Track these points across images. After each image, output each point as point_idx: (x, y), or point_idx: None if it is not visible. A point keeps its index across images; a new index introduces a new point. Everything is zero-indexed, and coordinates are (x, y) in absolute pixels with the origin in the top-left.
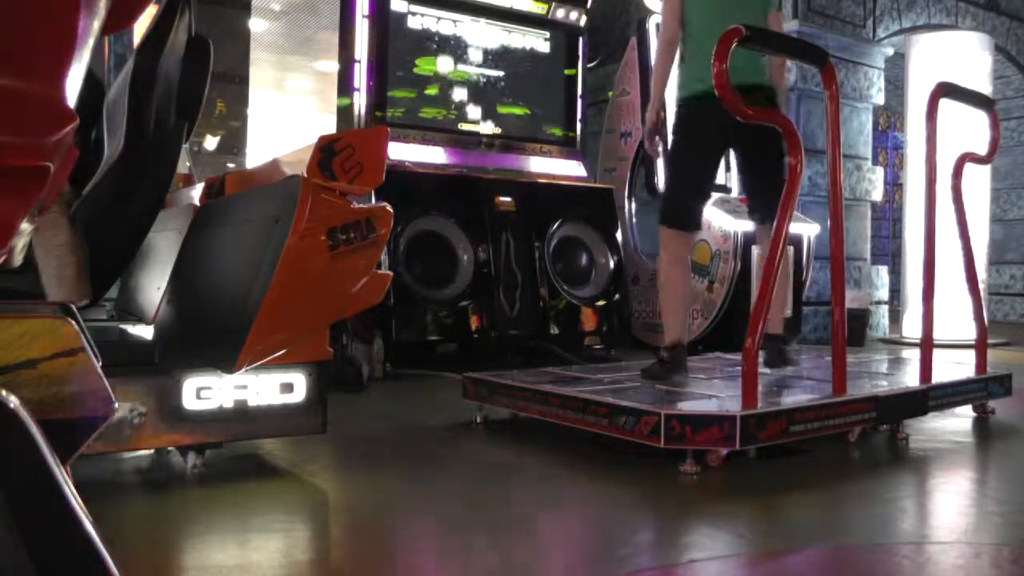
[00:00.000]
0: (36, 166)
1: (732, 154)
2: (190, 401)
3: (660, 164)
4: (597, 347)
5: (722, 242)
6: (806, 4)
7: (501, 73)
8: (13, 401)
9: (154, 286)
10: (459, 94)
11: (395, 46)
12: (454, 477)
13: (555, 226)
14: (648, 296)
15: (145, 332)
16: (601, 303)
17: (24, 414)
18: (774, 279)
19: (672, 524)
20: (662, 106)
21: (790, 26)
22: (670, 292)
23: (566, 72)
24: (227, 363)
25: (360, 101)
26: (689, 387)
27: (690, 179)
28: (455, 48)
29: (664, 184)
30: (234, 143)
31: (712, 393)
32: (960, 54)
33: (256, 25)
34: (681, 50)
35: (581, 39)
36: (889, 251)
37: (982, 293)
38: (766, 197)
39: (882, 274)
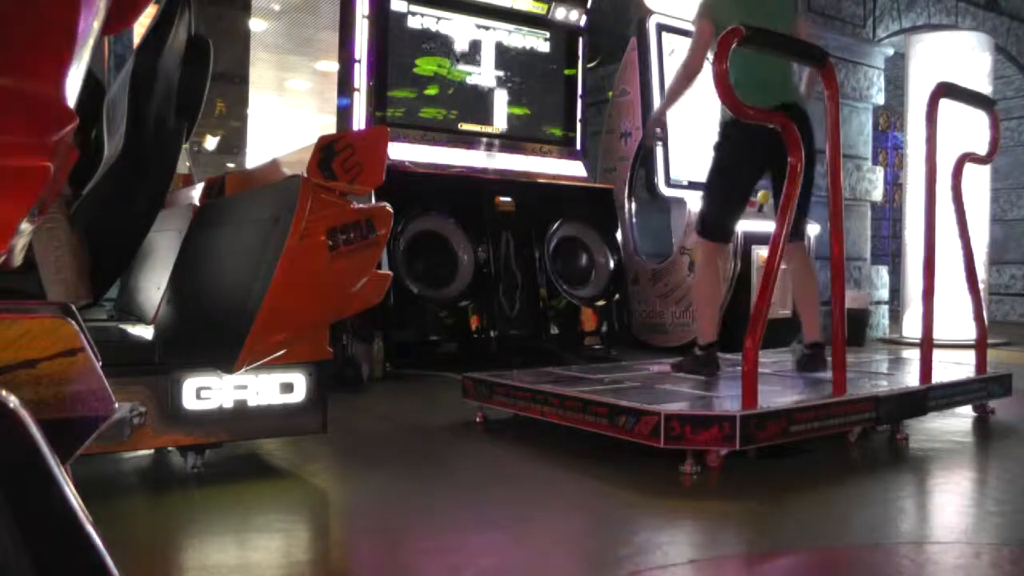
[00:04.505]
0: (36, 166)
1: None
2: (190, 401)
3: (659, 154)
4: (597, 347)
5: None
6: (806, 4)
7: (501, 73)
8: (13, 401)
9: (154, 286)
10: (459, 94)
11: (395, 46)
12: (454, 477)
13: (555, 226)
14: (648, 296)
15: (145, 332)
16: (601, 303)
17: (24, 414)
18: (774, 279)
19: (672, 524)
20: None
21: None
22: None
23: (566, 72)
24: (227, 363)
25: (360, 101)
26: (689, 387)
27: (729, 196)
28: (455, 48)
29: (703, 197)
30: (234, 143)
31: (712, 393)
32: (960, 54)
33: (256, 25)
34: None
35: (581, 39)
36: (889, 251)
37: (982, 293)
38: (796, 216)
39: (882, 274)
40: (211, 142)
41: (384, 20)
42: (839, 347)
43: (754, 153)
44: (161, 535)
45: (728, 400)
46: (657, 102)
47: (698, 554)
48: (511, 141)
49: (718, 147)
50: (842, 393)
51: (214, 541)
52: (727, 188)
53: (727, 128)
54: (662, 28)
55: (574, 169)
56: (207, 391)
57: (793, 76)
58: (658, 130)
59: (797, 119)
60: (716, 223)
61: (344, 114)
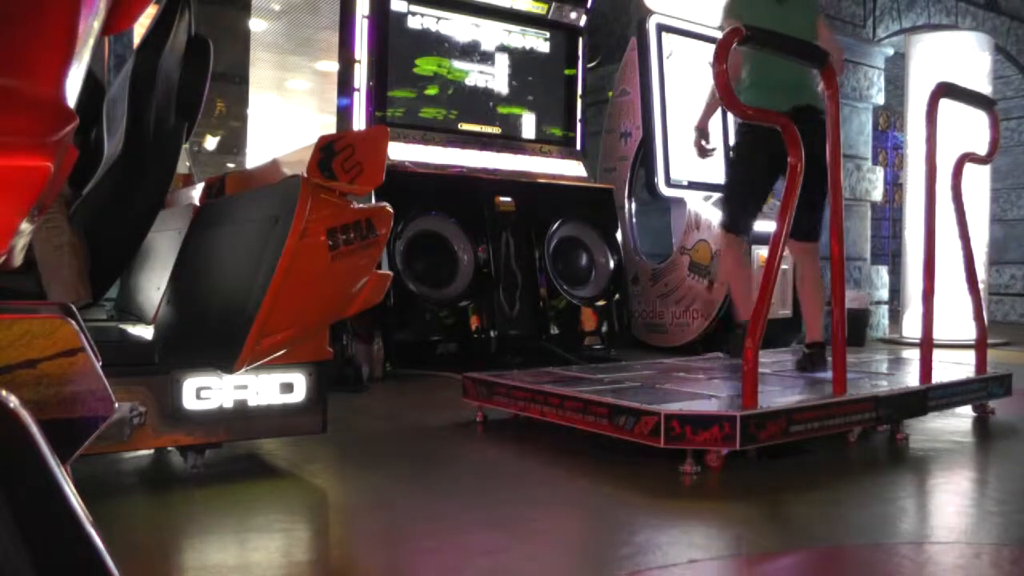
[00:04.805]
0: (36, 166)
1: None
2: (190, 401)
3: (659, 154)
4: (597, 347)
5: None
6: None
7: (501, 73)
8: (13, 401)
9: (154, 286)
10: (459, 94)
11: (395, 46)
12: (454, 477)
13: (555, 226)
14: (648, 296)
15: (145, 332)
16: (601, 303)
17: (24, 414)
18: (774, 278)
19: (672, 524)
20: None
21: None
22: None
23: (566, 72)
24: (227, 363)
25: (360, 101)
26: (689, 387)
27: (743, 194)
28: (455, 48)
29: (723, 194)
30: (234, 143)
31: (712, 393)
32: (960, 54)
33: (256, 25)
34: (742, 76)
35: (581, 39)
36: (889, 251)
37: (982, 293)
38: (804, 216)
39: (882, 274)
40: (211, 142)
41: (384, 20)
42: (839, 347)
43: (768, 153)
44: (161, 535)
45: (728, 400)
46: (657, 102)
47: (698, 554)
48: (511, 141)
49: (735, 147)
50: (842, 393)
51: (214, 541)
52: (741, 187)
53: (743, 129)
54: (662, 28)
55: (574, 169)
56: (207, 391)
57: (810, 79)
58: (704, 142)
59: (810, 121)
60: (732, 218)
61: (344, 114)
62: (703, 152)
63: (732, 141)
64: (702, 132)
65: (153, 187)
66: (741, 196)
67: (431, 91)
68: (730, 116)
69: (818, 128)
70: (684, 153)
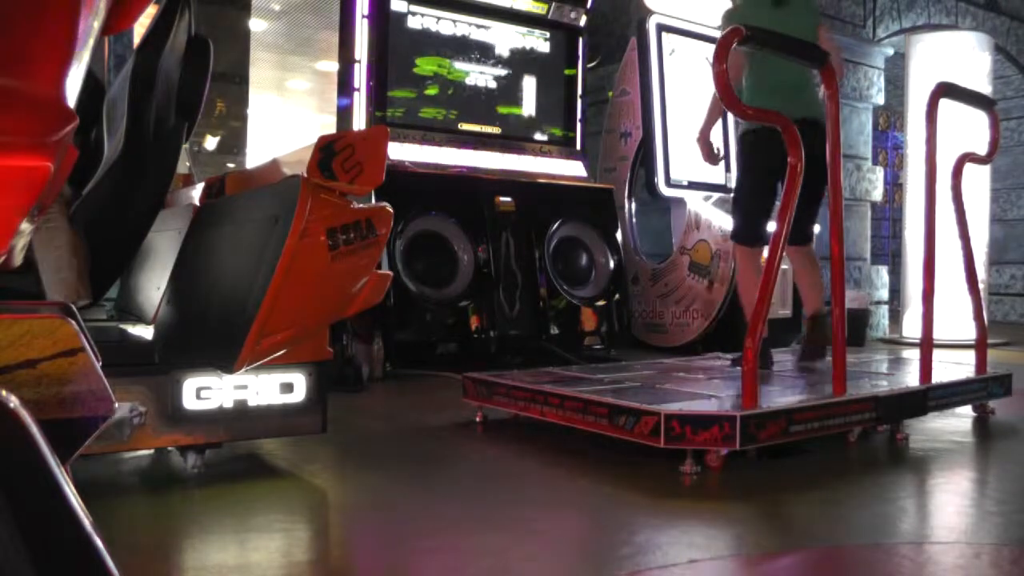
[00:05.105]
0: (36, 166)
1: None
2: (190, 401)
3: (659, 154)
4: (597, 347)
5: (722, 242)
6: None
7: (501, 73)
8: (13, 401)
9: (154, 286)
10: (459, 94)
11: (395, 46)
12: (454, 477)
13: (555, 226)
14: (648, 296)
15: (145, 332)
16: (601, 303)
17: (24, 414)
18: (774, 279)
19: (672, 524)
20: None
21: None
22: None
23: (566, 72)
24: (227, 363)
25: (360, 101)
26: (689, 387)
27: (752, 202)
28: (455, 48)
29: (733, 204)
30: (234, 143)
31: (712, 393)
32: (960, 54)
33: (256, 25)
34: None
35: (581, 39)
36: (889, 251)
37: (982, 293)
38: (803, 216)
39: (882, 274)
40: (211, 142)
41: (384, 20)
42: (839, 347)
43: (770, 159)
44: (161, 535)
45: (728, 400)
46: (657, 102)
47: (698, 554)
48: (511, 141)
49: (738, 156)
50: (842, 393)
51: (214, 541)
52: (749, 195)
53: (745, 137)
54: (662, 28)
55: (574, 169)
56: (207, 391)
57: (811, 87)
58: (713, 152)
59: (810, 124)
60: (743, 228)
61: (344, 114)
62: (712, 160)
63: (733, 143)
64: (706, 143)
65: (153, 187)
66: (754, 205)
67: (431, 91)
68: (730, 115)
69: (818, 131)
70: (684, 153)
